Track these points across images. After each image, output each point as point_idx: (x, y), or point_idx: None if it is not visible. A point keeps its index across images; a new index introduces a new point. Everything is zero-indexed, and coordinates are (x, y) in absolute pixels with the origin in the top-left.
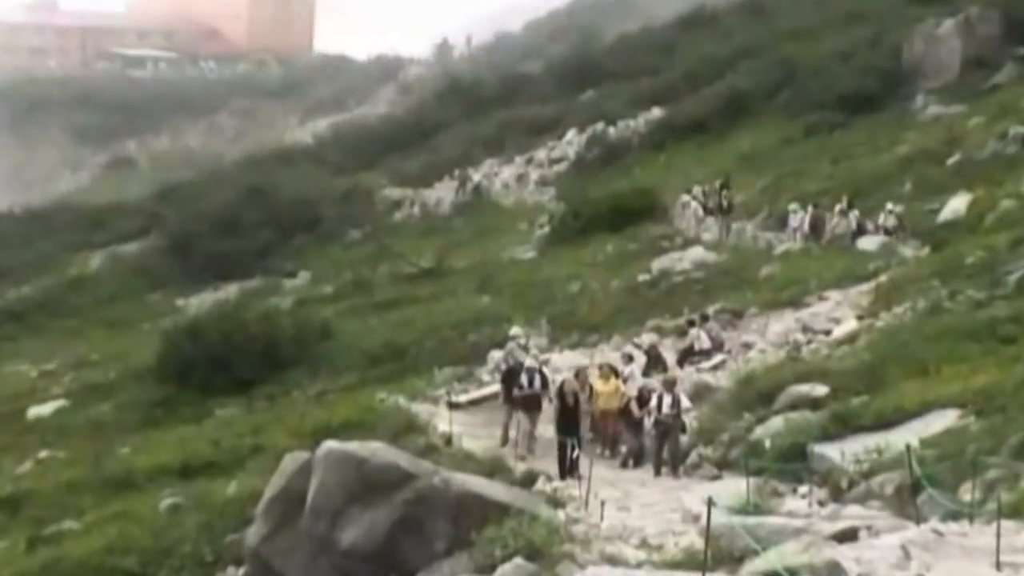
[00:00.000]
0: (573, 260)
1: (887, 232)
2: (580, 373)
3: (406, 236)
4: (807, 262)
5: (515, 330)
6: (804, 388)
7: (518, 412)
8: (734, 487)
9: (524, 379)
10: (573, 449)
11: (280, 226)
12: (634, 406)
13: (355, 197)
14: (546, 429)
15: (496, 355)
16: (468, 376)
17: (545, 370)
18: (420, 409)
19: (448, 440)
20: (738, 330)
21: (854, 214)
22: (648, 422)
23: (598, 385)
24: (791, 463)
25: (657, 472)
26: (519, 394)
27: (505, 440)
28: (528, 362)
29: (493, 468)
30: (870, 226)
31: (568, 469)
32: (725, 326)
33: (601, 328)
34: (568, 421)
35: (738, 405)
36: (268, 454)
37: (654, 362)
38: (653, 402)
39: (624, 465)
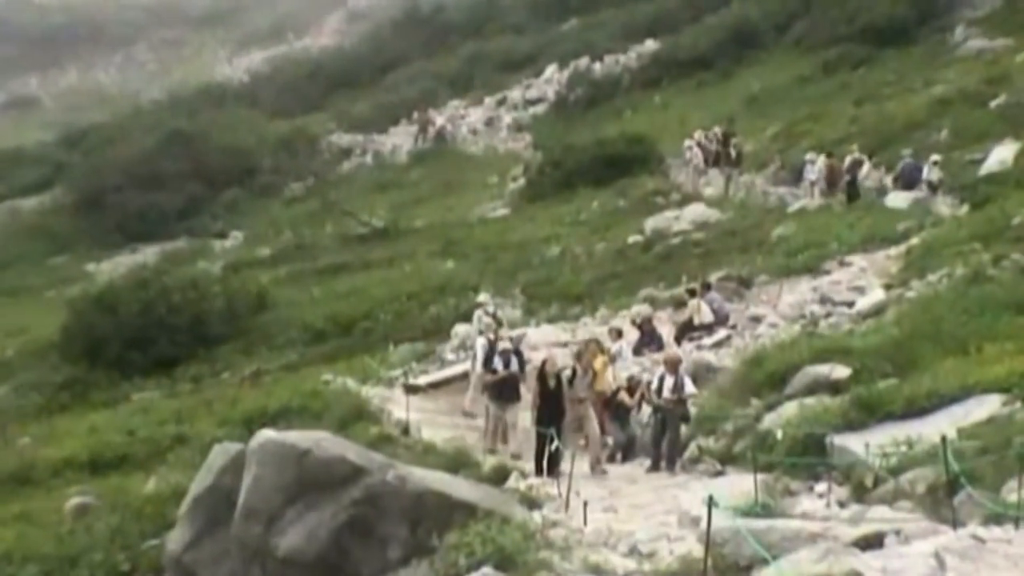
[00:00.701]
0: (552, 219)
1: (932, 187)
2: (583, 352)
3: (356, 190)
4: (826, 221)
5: (482, 297)
6: (822, 369)
7: (490, 400)
8: (739, 485)
9: (498, 361)
10: (552, 441)
11: (208, 178)
12: (624, 395)
13: (296, 144)
14: (524, 418)
15: (461, 329)
16: (429, 354)
17: (522, 349)
18: (372, 393)
19: (405, 429)
20: (745, 301)
21: (869, 167)
22: (643, 411)
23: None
24: (806, 457)
25: (654, 467)
26: (491, 379)
27: (493, 443)
28: (502, 344)
29: (458, 462)
30: (888, 181)
31: (548, 465)
32: (730, 296)
33: (585, 299)
34: (548, 408)
35: (744, 389)
36: (193, 445)
37: (647, 338)
38: (654, 383)
39: (610, 460)
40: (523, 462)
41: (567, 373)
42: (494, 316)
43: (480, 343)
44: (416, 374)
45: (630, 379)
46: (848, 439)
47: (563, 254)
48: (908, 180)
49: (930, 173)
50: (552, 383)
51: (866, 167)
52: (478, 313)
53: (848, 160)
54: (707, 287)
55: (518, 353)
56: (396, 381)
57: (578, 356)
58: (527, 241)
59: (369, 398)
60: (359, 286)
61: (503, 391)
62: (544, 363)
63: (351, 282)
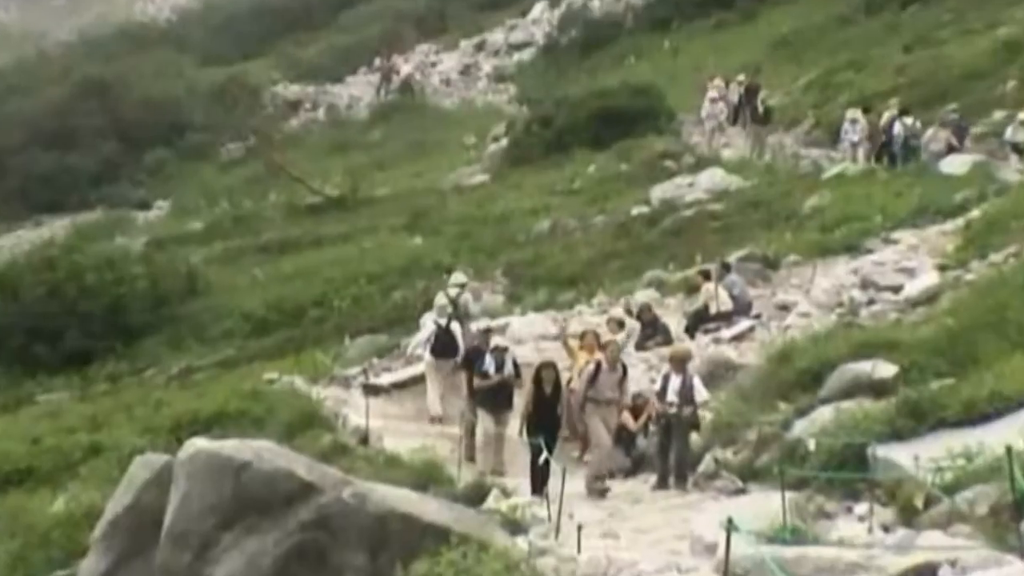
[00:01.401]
0: (540, 187)
1: (1018, 150)
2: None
3: (307, 152)
4: (869, 190)
5: (457, 276)
6: (863, 367)
7: (481, 409)
8: (764, 505)
9: (489, 362)
10: (540, 452)
11: (128, 137)
12: (628, 418)
13: (234, 96)
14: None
15: (429, 321)
16: (392, 349)
17: (506, 345)
18: (325, 395)
19: (364, 438)
20: (771, 285)
21: (902, 125)
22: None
23: (580, 360)
24: (844, 471)
25: (662, 483)
26: (482, 384)
27: (471, 452)
28: (494, 340)
29: (427, 477)
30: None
31: (540, 481)
32: (754, 280)
33: (579, 282)
34: (542, 418)
35: (770, 390)
36: (110, 457)
37: (652, 330)
38: (656, 384)
39: (610, 477)
40: (508, 478)
41: (583, 371)
42: (453, 301)
43: (429, 328)
44: (377, 372)
45: (636, 397)
46: (894, 450)
47: (553, 229)
48: (949, 141)
49: (1016, 134)
50: (549, 389)
51: (900, 126)
52: (439, 295)
53: (886, 117)
54: (726, 268)
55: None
56: (353, 380)
57: (602, 347)
58: (510, 213)
59: (321, 401)
60: (309, 267)
61: (497, 399)
62: (541, 367)
63: (300, 262)
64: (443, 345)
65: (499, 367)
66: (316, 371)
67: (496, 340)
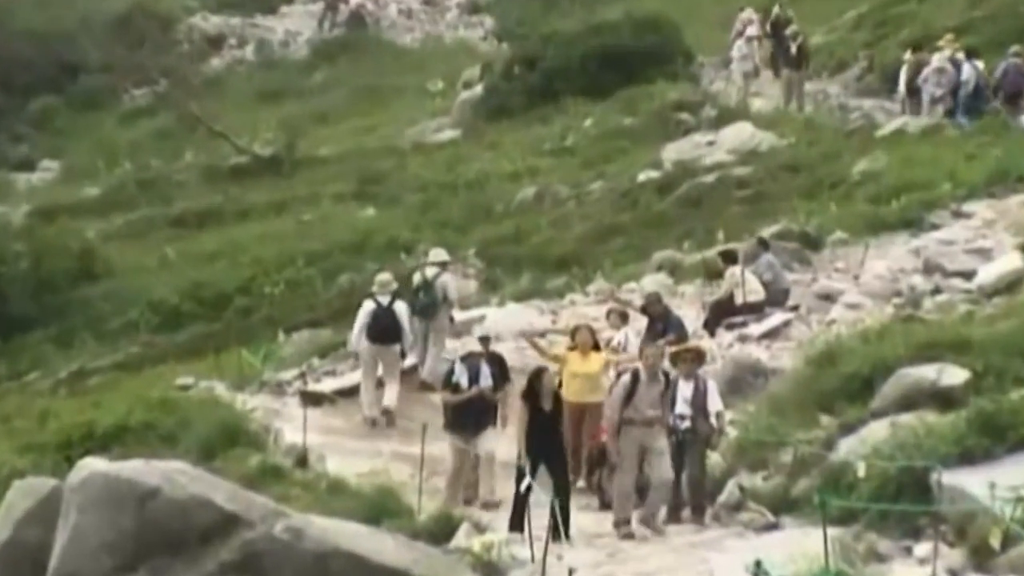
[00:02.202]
0: (524, 146)
1: None
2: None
3: (231, 100)
4: (935, 151)
5: (437, 253)
6: (927, 371)
7: (449, 430)
8: (801, 543)
9: (460, 371)
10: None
11: (7, 80)
12: None
13: (140, 30)
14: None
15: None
16: (338, 347)
17: (499, 352)
18: (253, 404)
19: (301, 459)
20: (812, 269)
21: (974, 69)
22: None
23: (573, 363)
24: (902, 503)
25: (672, 517)
26: (452, 399)
27: (455, 490)
28: (469, 342)
29: (380, 507)
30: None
31: (515, 514)
32: (790, 263)
33: (571, 265)
34: (540, 441)
35: (810, 401)
36: None
37: (662, 326)
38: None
39: (608, 506)
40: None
41: (614, 383)
42: (429, 283)
43: (365, 309)
44: (318, 376)
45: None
46: (964, 476)
47: (540, 198)
48: (1011, 90)
49: None
50: (548, 404)
51: (971, 70)
52: (381, 275)
53: (936, 59)
54: (763, 246)
55: (498, 359)
56: (289, 386)
57: (573, 335)
58: (486, 178)
59: (248, 412)
60: (234, 244)
61: (470, 418)
62: (539, 374)
63: (222, 238)
64: (382, 328)
65: (473, 378)
66: (242, 375)
67: (472, 343)
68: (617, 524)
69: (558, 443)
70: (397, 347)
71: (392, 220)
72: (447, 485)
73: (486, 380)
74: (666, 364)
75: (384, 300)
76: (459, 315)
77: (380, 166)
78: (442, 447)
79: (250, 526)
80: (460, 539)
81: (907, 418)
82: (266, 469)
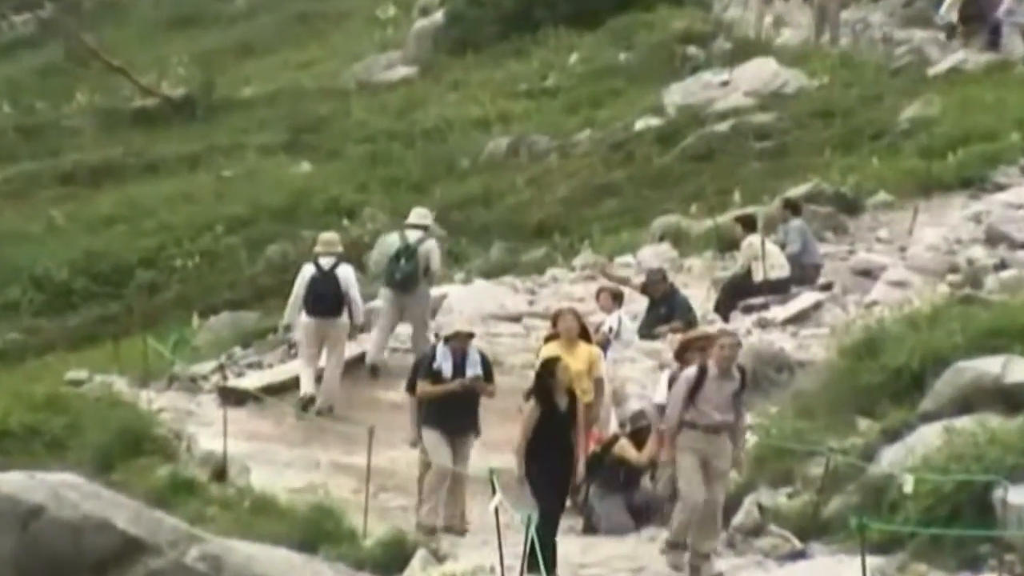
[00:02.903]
0: (494, 86)
1: None
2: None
3: (134, 29)
4: (1000, 93)
5: (420, 213)
6: (989, 366)
7: (428, 432)
8: (835, 573)
9: (443, 356)
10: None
11: None
12: (626, 447)
13: None
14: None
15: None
16: (266, 333)
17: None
18: (161, 403)
19: (220, 471)
20: (850, 239)
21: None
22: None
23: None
24: (959, 525)
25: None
26: (432, 391)
27: (435, 511)
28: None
29: (317, 530)
30: None
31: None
32: (822, 230)
33: (553, 232)
34: (555, 449)
35: (846, 401)
36: None
37: (666, 308)
38: (659, 395)
39: (594, 529)
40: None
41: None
42: (412, 249)
43: (304, 275)
44: (241, 369)
45: (637, 416)
46: None
47: (514, 151)
48: None
49: None
50: (564, 402)
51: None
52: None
53: None
54: (793, 209)
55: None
56: (205, 382)
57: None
58: (448, 126)
59: (155, 413)
60: (137, 206)
61: (455, 415)
62: (548, 365)
63: (123, 199)
64: (322, 297)
65: (458, 368)
66: (147, 368)
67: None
68: (673, 546)
69: (571, 452)
70: (342, 320)
71: (332, 178)
72: (425, 497)
73: (475, 369)
74: (669, 356)
75: (327, 264)
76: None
77: (317, 111)
78: (393, 456)
79: (157, 553)
80: (415, 570)
81: (965, 422)
82: (177, 483)
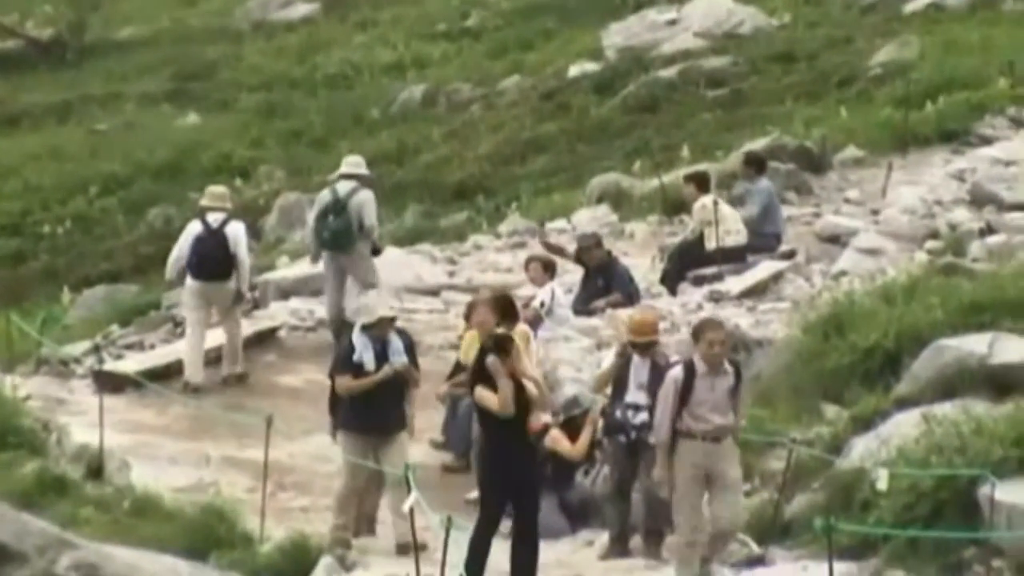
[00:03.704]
0: (407, 25)
1: None
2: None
3: None
4: (986, 34)
5: (351, 162)
6: (974, 345)
7: (345, 434)
8: None
9: (363, 346)
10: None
11: None
12: (558, 438)
13: None
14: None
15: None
16: (147, 310)
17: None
18: (28, 390)
19: (96, 467)
20: (815, 200)
21: None
22: (600, 470)
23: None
24: (940, 526)
25: (618, 547)
26: (352, 385)
27: (347, 520)
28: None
29: (206, 534)
30: None
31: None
32: (783, 190)
33: (477, 194)
34: (517, 453)
35: (811, 385)
36: None
37: (603, 280)
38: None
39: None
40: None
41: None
42: (341, 203)
43: (188, 231)
44: (119, 351)
45: (570, 404)
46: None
47: (432, 100)
48: None
49: None
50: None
51: None
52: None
53: None
54: (756, 165)
55: (402, 333)
56: (78, 365)
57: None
58: (356, 72)
59: (20, 400)
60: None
61: (375, 412)
62: (498, 344)
63: None
64: (206, 257)
65: (380, 357)
66: (11, 349)
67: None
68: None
69: (533, 453)
70: (231, 285)
71: (222, 131)
72: (336, 511)
73: (399, 356)
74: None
75: (214, 221)
76: (320, 266)
77: (205, 55)
78: (292, 450)
79: (22, 561)
80: None
81: (946, 409)
82: (46, 481)
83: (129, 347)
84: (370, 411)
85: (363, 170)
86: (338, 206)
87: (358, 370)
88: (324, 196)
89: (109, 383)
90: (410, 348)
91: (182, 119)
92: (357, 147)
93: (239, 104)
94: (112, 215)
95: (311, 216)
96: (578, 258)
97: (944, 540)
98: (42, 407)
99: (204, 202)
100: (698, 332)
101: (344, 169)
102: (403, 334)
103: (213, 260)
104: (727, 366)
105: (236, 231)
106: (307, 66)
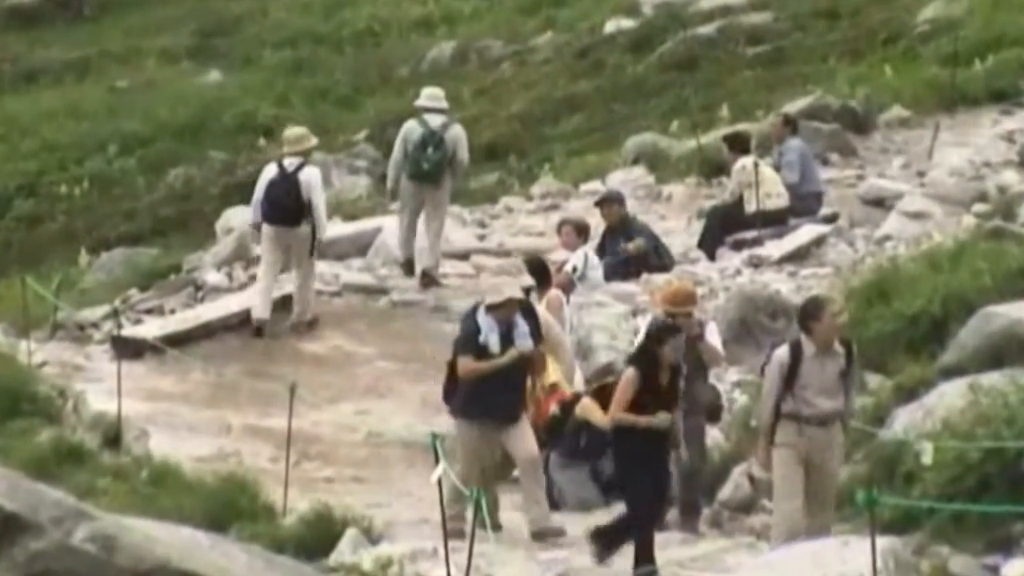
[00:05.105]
0: None
1: None
2: None
3: None
4: None
5: (431, 94)
6: (1023, 312)
7: (462, 420)
8: (840, 559)
9: (488, 327)
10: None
11: None
12: (590, 407)
13: None
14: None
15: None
16: (168, 274)
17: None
18: (44, 355)
19: (114, 436)
20: (859, 161)
21: None
22: None
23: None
24: (987, 501)
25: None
26: (476, 368)
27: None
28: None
29: (227, 506)
30: None
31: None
32: (826, 151)
33: (508, 154)
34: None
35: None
36: None
37: (624, 236)
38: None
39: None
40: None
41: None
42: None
43: (264, 176)
44: (139, 316)
45: (604, 371)
46: None
47: (462, 58)
48: None
49: None
50: (665, 378)
51: None
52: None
53: None
54: (792, 126)
55: (529, 313)
56: (96, 330)
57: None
58: (384, 29)
59: (36, 367)
60: (13, 122)
61: (499, 397)
62: (662, 333)
63: None
64: (279, 203)
65: (506, 338)
66: (26, 313)
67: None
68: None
69: (670, 444)
70: (303, 230)
71: (246, 89)
72: (450, 501)
73: (524, 340)
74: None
75: (290, 165)
76: (346, 228)
77: (229, 10)
78: (316, 419)
79: (38, 532)
80: (343, 553)
81: (995, 378)
82: (62, 450)
83: (149, 312)
84: (492, 396)
85: (444, 103)
86: (435, 138)
87: (482, 352)
88: (414, 128)
89: (127, 349)
90: (536, 331)
91: (204, 76)
92: (384, 107)
93: (263, 61)
94: (131, 175)
95: (398, 148)
96: (609, 221)
97: (991, 515)
98: (58, 374)
99: (284, 148)
100: (812, 312)
101: (427, 102)
102: (531, 316)
103: (283, 205)
104: (837, 346)
105: (310, 176)
106: (334, 22)
